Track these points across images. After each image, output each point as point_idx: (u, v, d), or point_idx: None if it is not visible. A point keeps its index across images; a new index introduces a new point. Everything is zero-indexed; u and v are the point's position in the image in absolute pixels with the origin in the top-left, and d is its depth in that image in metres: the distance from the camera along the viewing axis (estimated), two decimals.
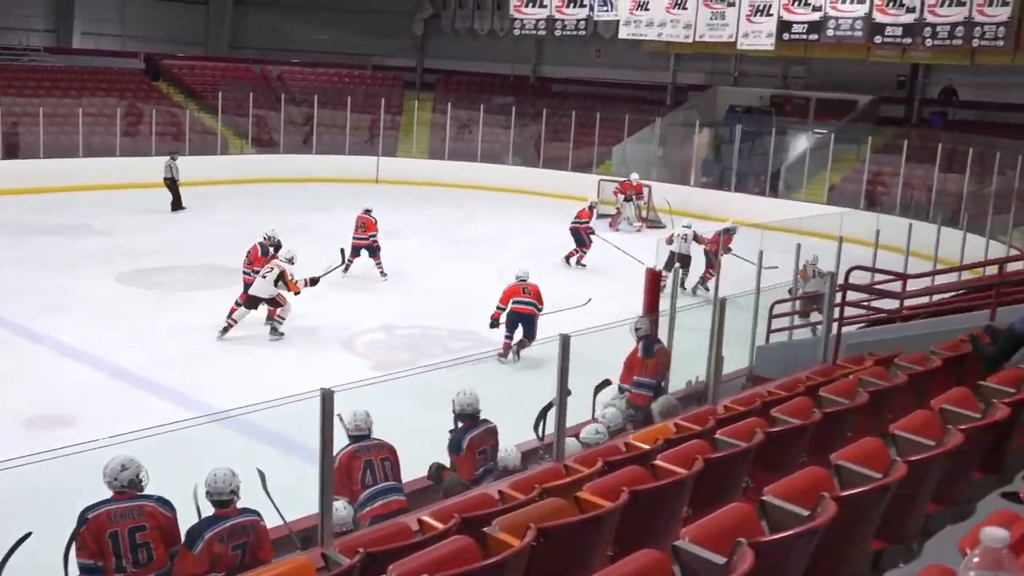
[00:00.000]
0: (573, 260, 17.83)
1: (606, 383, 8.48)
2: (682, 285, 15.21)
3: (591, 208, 18.58)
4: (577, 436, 6.84)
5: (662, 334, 9.39)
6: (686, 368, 9.60)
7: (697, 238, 16.26)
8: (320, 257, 16.69)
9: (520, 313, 12.28)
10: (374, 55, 33.67)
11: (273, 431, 8.11)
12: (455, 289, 15.57)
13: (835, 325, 9.29)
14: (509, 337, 12.27)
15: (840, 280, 10.09)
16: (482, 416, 7.17)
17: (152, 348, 11.94)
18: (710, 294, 14.00)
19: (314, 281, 13.06)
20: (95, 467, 5.44)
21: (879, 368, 6.60)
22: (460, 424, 7.08)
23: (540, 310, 12.25)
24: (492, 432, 7.08)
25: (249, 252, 13.73)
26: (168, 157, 22.19)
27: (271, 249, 13.60)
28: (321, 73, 32.11)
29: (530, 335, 12.16)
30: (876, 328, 10.09)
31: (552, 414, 6.59)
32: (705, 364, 8.15)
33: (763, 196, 24.27)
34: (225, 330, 12.55)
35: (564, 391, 7.02)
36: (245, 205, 22.20)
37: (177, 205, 21.60)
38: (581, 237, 17.92)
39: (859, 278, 11.20)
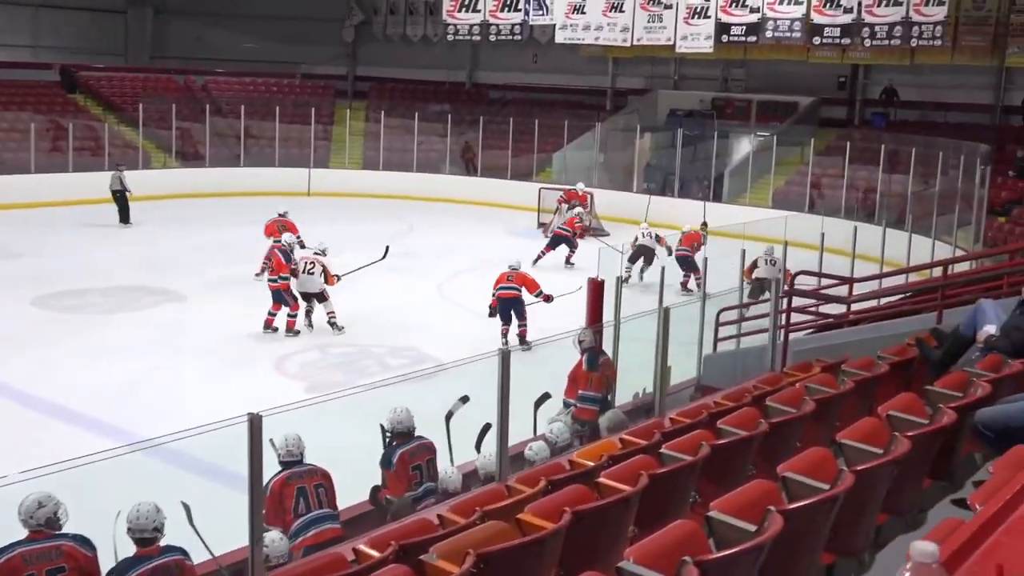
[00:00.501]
0: (570, 260, 18.81)
1: (546, 397, 8.48)
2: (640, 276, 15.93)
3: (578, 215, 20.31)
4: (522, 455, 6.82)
5: (607, 346, 9.41)
6: (633, 380, 9.63)
7: (659, 239, 17.22)
8: (249, 272, 16.49)
9: (504, 299, 13.43)
10: (303, 63, 33.44)
11: (200, 459, 7.93)
12: (393, 304, 15.47)
13: (782, 332, 9.38)
14: (505, 324, 13.42)
15: (786, 285, 10.21)
16: (419, 434, 7.11)
17: (68, 375, 11.67)
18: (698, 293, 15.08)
19: (336, 278, 13.97)
20: (8, 505, 5.27)
21: (826, 375, 6.66)
22: (394, 442, 7.03)
23: (536, 294, 13.44)
24: (427, 448, 7.02)
25: (270, 261, 13.98)
26: (115, 170, 22.31)
27: (291, 255, 14.04)
28: (248, 83, 31.77)
29: (520, 317, 13.38)
30: (823, 334, 10.21)
31: (493, 432, 6.55)
32: (652, 376, 8.17)
33: (707, 201, 24.50)
34: (295, 332, 13.53)
35: (463, 397, 7.09)
36: (169, 222, 21.85)
37: (125, 218, 21.70)
38: (570, 240, 19.18)
39: (805, 283, 11.34)
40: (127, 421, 10.02)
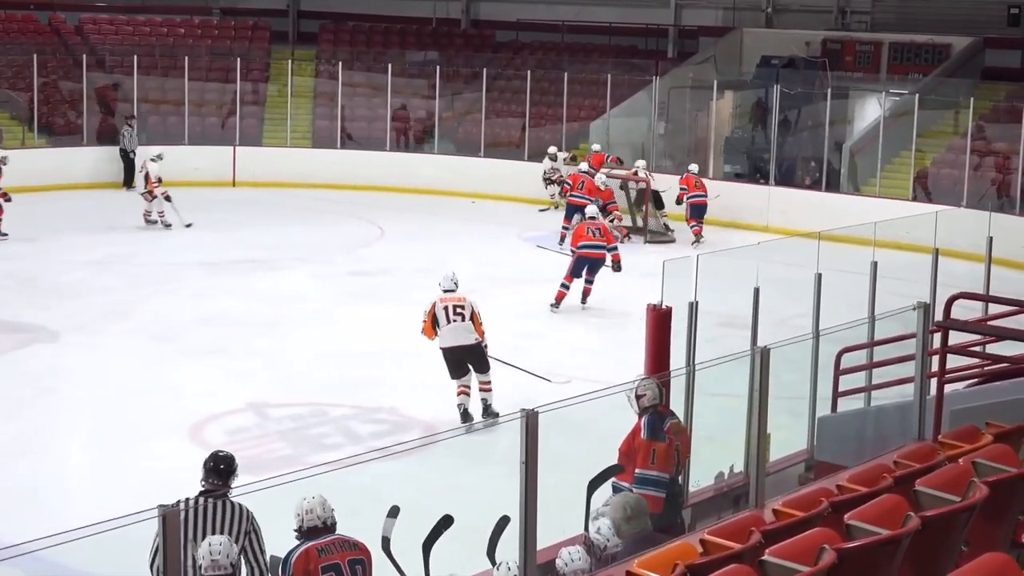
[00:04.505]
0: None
1: (610, 472, 8.49)
2: None
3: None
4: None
5: (676, 403, 9.43)
6: (713, 454, 9.64)
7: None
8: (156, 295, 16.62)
9: (590, 258, 17.35)
10: None
11: (83, 572, 8.01)
12: (360, 346, 15.50)
13: (933, 383, 9.39)
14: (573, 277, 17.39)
15: (938, 315, 10.21)
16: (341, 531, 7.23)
17: None
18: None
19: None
20: None
21: (1002, 446, 6.67)
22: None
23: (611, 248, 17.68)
24: (350, 545, 7.09)
25: None
26: (125, 124, 26.59)
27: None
28: (143, 22, 32.03)
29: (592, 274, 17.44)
30: (994, 385, 10.20)
31: (513, 529, 6.59)
32: (743, 448, 8.19)
33: (818, 191, 24.51)
34: None
35: (392, 510, 7.50)
36: (33, 228, 21.95)
37: (129, 181, 25.97)
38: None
39: (966, 310, 11.34)
40: None
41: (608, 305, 17.41)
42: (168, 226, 22.06)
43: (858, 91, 26.90)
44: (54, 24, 31.08)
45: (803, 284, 11.70)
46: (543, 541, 6.62)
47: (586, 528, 7.98)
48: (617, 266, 17.60)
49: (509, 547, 6.92)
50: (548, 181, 25.26)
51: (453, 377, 12.56)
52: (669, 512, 8.77)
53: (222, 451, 7.55)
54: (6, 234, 20.62)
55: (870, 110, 26.31)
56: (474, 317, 12.59)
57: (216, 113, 29.11)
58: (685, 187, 23.03)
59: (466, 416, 12.39)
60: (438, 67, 29.00)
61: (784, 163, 25.76)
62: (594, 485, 8.51)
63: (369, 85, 29.55)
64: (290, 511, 7.35)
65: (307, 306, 17.38)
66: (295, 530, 7.11)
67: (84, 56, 28.32)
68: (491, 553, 7.40)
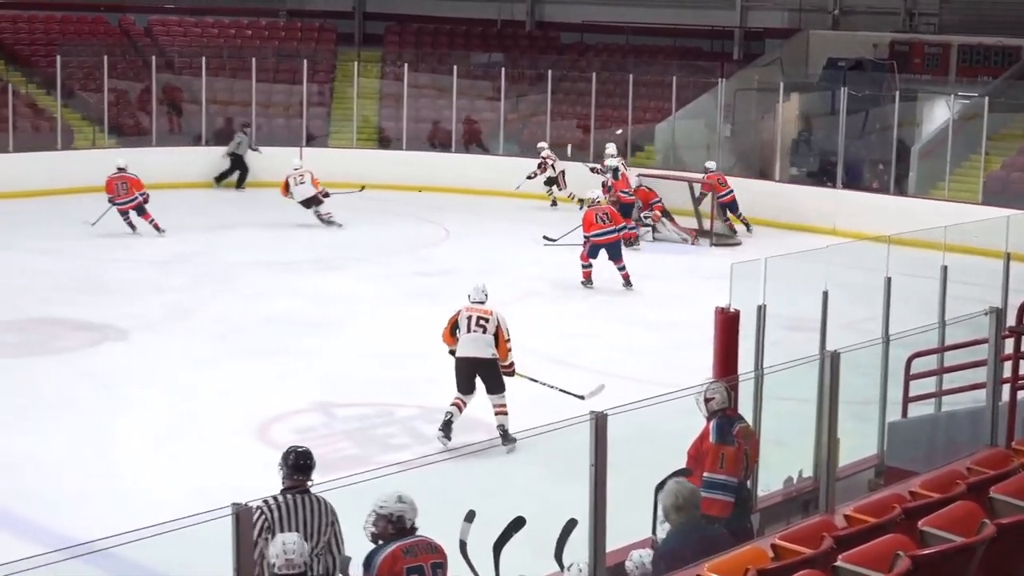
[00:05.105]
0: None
1: (677, 475, 8.45)
2: None
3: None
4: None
5: (744, 407, 9.38)
6: (780, 458, 9.56)
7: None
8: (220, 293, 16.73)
9: (606, 244, 18.34)
10: None
11: (154, 569, 8.06)
12: (424, 347, 15.37)
13: (1006, 389, 9.28)
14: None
15: (1010, 320, 10.10)
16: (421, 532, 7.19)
17: None
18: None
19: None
20: None
21: None
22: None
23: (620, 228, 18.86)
24: (432, 548, 7.07)
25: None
26: (240, 132, 27.49)
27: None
28: (211, 24, 32.29)
29: (618, 259, 18.52)
30: None
31: (581, 532, 6.58)
32: (812, 453, 8.13)
33: (886, 194, 24.34)
34: None
35: (468, 515, 7.50)
36: (104, 225, 22.18)
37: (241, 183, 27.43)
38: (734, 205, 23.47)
39: None
40: (55, 516, 10.14)
41: (668, 306, 17.40)
42: (340, 225, 22.87)
43: (926, 94, 26.67)
44: (124, 26, 31.49)
45: (871, 288, 11.64)
46: (610, 544, 6.60)
47: (654, 531, 7.97)
48: (629, 243, 19.52)
49: (576, 550, 6.93)
50: (548, 181, 25.70)
51: (459, 391, 12.19)
52: (738, 517, 8.72)
53: (300, 447, 7.46)
54: (163, 230, 21.61)
55: (939, 113, 26.09)
56: (498, 333, 12.19)
57: (283, 114, 29.27)
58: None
59: (446, 427, 11.96)
60: (503, 69, 29.04)
61: (851, 166, 25.61)
62: (659, 488, 8.49)
63: (434, 87, 29.62)
64: (358, 511, 7.35)
65: (369, 306, 17.47)
66: (390, 524, 6.95)
67: (153, 58, 28.65)
68: (559, 556, 7.41)
